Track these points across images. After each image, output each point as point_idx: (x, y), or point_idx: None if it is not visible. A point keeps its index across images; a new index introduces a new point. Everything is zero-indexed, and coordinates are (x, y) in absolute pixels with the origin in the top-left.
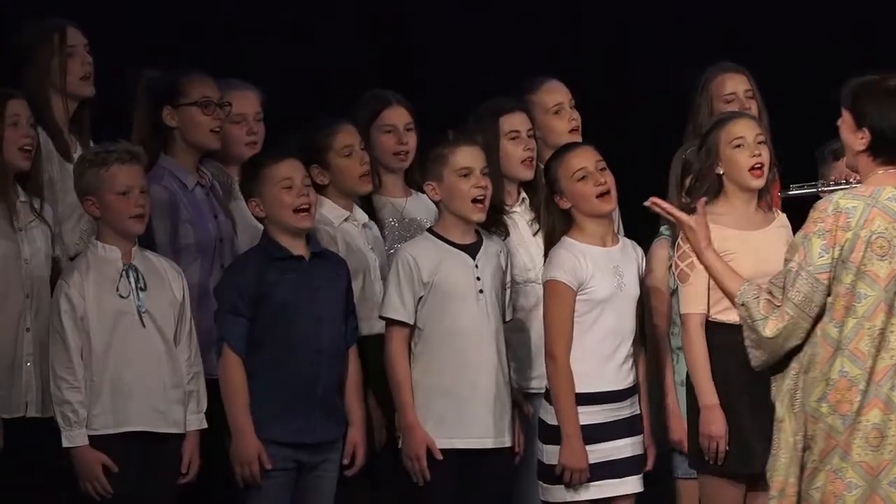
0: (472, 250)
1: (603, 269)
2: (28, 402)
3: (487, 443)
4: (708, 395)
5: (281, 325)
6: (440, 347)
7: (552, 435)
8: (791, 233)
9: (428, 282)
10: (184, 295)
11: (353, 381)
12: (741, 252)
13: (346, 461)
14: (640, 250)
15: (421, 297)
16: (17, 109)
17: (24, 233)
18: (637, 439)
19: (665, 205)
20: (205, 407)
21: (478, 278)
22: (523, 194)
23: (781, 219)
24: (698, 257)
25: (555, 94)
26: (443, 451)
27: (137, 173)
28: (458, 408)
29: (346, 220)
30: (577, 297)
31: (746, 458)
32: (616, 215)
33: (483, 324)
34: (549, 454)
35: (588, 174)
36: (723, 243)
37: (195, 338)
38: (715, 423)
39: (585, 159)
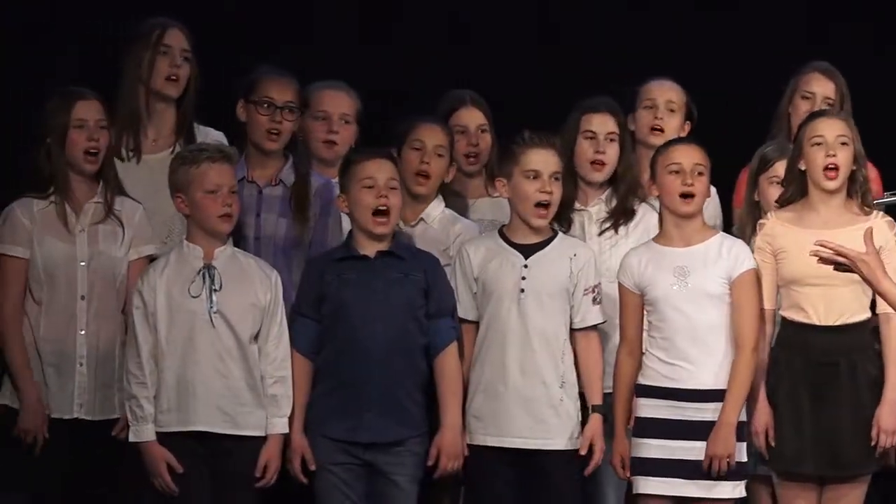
0: (528, 250)
1: (661, 270)
2: (80, 404)
3: (526, 443)
4: (757, 389)
5: (338, 325)
6: (484, 344)
7: (639, 428)
8: (887, 235)
9: (477, 277)
10: (272, 297)
11: (444, 382)
12: (792, 251)
13: (430, 462)
14: (739, 249)
15: (475, 293)
16: (84, 112)
17: (86, 234)
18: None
19: (832, 245)
20: (288, 411)
21: (523, 278)
22: (602, 195)
23: (876, 221)
24: (875, 288)
25: (651, 91)
26: (488, 448)
27: (228, 172)
28: (494, 406)
29: (421, 221)
30: (644, 298)
31: (781, 457)
32: (717, 214)
33: (522, 324)
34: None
35: (681, 171)
36: (778, 241)
37: (285, 341)
38: (758, 419)
39: (684, 156)
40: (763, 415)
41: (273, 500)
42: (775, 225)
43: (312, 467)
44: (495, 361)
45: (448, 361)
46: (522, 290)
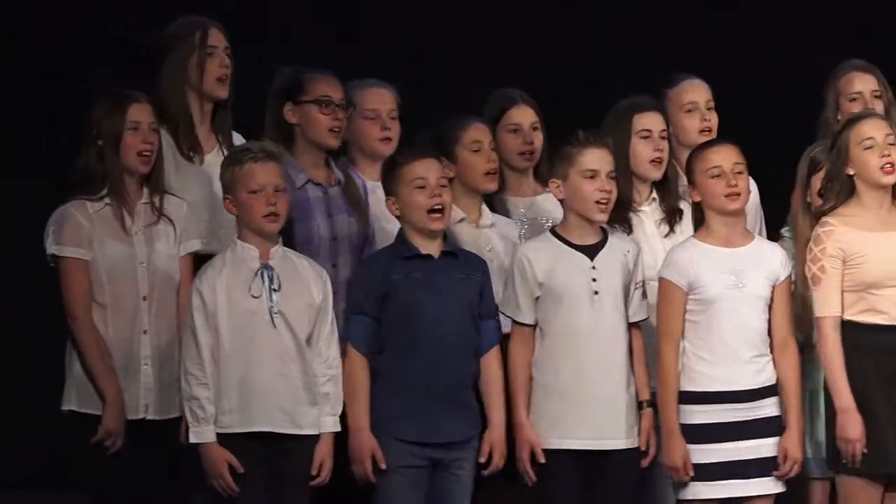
0: (591, 251)
1: (716, 270)
2: (147, 405)
3: (603, 444)
4: (844, 397)
5: (405, 324)
6: (555, 347)
7: (685, 432)
8: None
9: (542, 282)
10: (324, 296)
11: (492, 382)
12: (870, 254)
13: (482, 460)
14: (780, 253)
15: (538, 298)
16: (137, 115)
17: (142, 234)
18: (771, 441)
19: None
20: (340, 410)
21: (593, 279)
22: (654, 193)
23: None
24: None
25: (690, 93)
26: (560, 451)
27: (272, 172)
28: (570, 409)
29: (460, 221)
30: (690, 297)
31: (884, 459)
32: (758, 217)
33: (598, 325)
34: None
35: (722, 173)
36: (852, 246)
37: (336, 340)
38: (850, 426)
39: (722, 158)
40: (856, 423)
41: (326, 501)
42: (844, 231)
43: (383, 466)
44: (572, 365)
45: (495, 361)
46: (596, 293)
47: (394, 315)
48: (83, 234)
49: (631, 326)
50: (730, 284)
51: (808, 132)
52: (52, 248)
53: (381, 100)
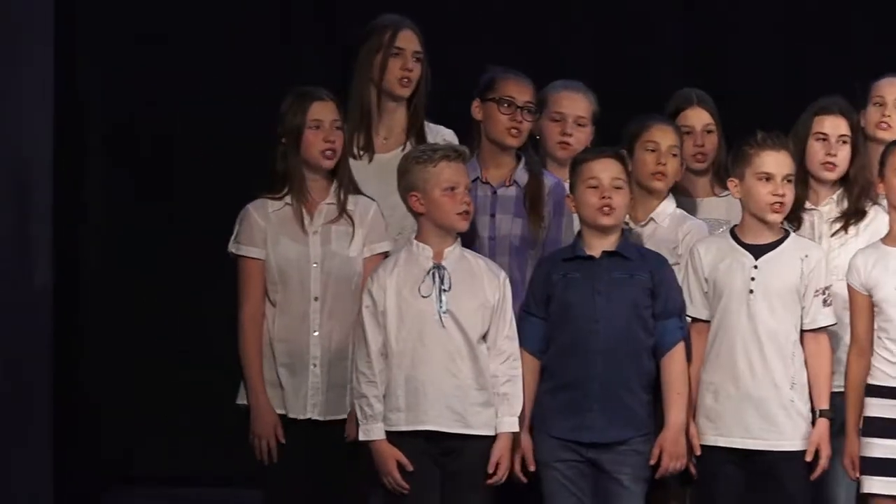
0: (759, 250)
1: (887, 271)
2: (313, 405)
3: (756, 444)
4: None
5: (563, 324)
6: (713, 345)
7: (867, 428)
8: None
9: (708, 278)
10: (500, 297)
11: (672, 382)
12: None
13: (652, 461)
14: None
15: (706, 293)
16: (319, 113)
17: (319, 235)
18: None
19: None
20: (519, 410)
21: (752, 279)
22: (834, 195)
23: None
24: None
25: (881, 88)
26: (716, 448)
27: (463, 171)
28: (724, 406)
29: (647, 221)
30: (873, 300)
31: None
32: None
33: (752, 324)
34: (865, 447)
35: None
36: None
37: (515, 341)
38: None
39: None
40: None
41: (500, 499)
42: None
43: (532, 468)
44: (725, 362)
45: (674, 361)
46: (751, 291)
47: (554, 315)
48: (259, 233)
49: (810, 332)
50: None
51: None
52: (231, 246)
53: (569, 104)
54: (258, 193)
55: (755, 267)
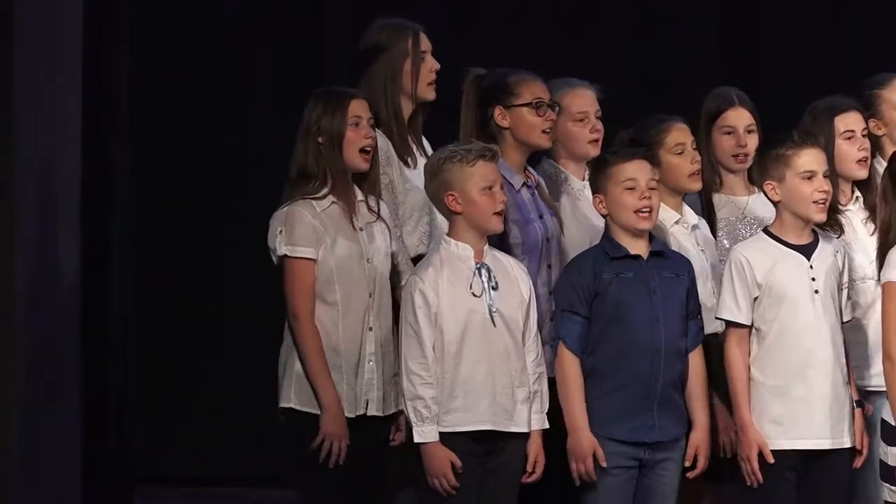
0: (807, 251)
1: None
2: (369, 401)
3: (825, 444)
4: None
5: (617, 324)
6: (777, 348)
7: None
8: None
9: (762, 283)
10: (530, 295)
11: (696, 383)
12: None
13: (687, 463)
14: None
15: (756, 298)
16: (358, 110)
17: (364, 232)
18: None
19: None
20: (547, 407)
21: (812, 279)
22: (857, 193)
23: None
24: None
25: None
26: (781, 451)
27: (497, 170)
28: (794, 409)
29: (676, 222)
30: None
31: None
32: None
33: (819, 324)
34: (893, 455)
35: None
36: None
37: (539, 338)
38: None
39: None
40: None
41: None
42: None
43: (604, 464)
44: (795, 365)
45: (700, 361)
46: (816, 291)
47: (604, 315)
48: (314, 233)
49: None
50: None
51: None
52: (283, 248)
53: (589, 101)
54: (291, 193)
55: (811, 267)
